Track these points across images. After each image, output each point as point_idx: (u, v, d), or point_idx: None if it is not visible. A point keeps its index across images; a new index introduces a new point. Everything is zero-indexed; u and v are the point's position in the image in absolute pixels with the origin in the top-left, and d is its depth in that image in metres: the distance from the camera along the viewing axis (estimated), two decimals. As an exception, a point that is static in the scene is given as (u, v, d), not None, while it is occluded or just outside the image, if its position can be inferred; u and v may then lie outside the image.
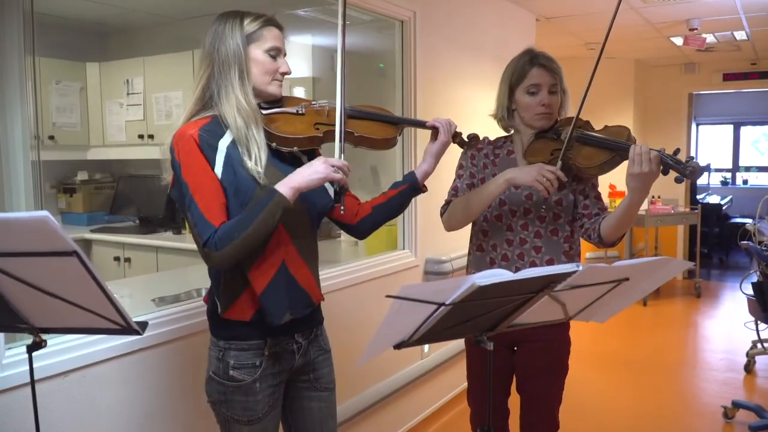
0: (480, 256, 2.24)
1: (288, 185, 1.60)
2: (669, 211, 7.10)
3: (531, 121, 2.15)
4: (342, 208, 1.71)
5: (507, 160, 2.23)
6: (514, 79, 2.15)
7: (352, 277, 3.16)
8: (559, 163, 2.01)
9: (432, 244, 3.79)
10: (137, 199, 4.71)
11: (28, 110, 1.91)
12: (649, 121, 8.52)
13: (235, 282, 1.71)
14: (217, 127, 1.66)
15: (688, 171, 1.81)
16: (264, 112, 1.75)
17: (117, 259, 4.27)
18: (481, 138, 2.10)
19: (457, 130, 1.96)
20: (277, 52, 1.74)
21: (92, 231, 4.48)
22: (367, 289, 3.26)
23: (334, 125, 1.76)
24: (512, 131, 2.26)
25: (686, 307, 6.78)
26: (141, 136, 4.54)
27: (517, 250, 2.17)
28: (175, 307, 2.32)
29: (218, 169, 1.63)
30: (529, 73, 2.12)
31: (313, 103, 1.83)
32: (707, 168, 1.78)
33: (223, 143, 1.64)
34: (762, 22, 5.63)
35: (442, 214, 2.24)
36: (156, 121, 4.48)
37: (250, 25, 1.71)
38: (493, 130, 2.31)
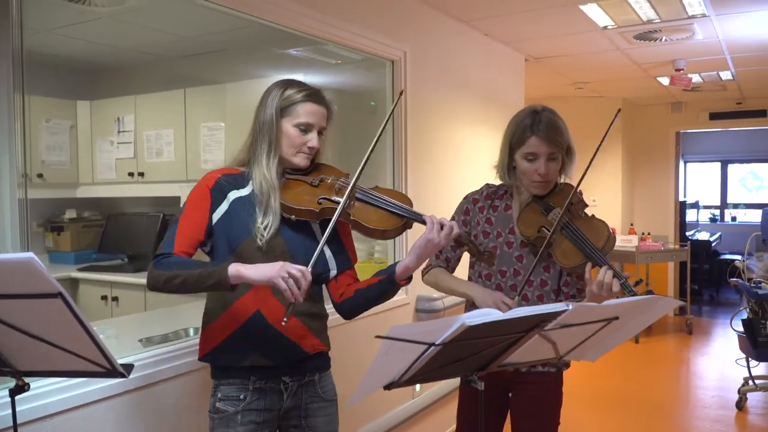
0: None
1: (238, 268, 1.64)
2: (659, 247, 7.12)
3: (527, 186, 2.15)
4: (283, 320, 1.63)
5: (504, 216, 2.20)
6: (514, 141, 2.11)
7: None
8: (517, 298, 2.06)
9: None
10: (126, 238, 4.66)
11: (17, 148, 1.91)
12: (637, 158, 8.60)
13: (208, 313, 1.85)
14: (241, 180, 1.82)
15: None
16: (287, 176, 1.86)
17: (104, 298, 4.20)
18: (494, 256, 2.02)
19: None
20: (308, 127, 1.81)
21: (79, 270, 4.41)
22: (357, 328, 3.22)
23: (336, 204, 1.78)
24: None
25: (678, 344, 6.76)
26: (131, 174, 4.52)
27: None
28: (163, 348, 2.30)
29: (217, 214, 1.78)
30: (527, 140, 2.07)
31: (332, 178, 1.87)
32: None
33: (234, 194, 1.80)
34: (747, 62, 5.73)
35: (422, 273, 2.25)
36: (147, 159, 4.46)
37: (287, 99, 1.81)
38: (484, 173, 2.31)
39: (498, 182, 2.28)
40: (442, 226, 1.78)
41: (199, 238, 1.76)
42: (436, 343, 1.31)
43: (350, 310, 1.92)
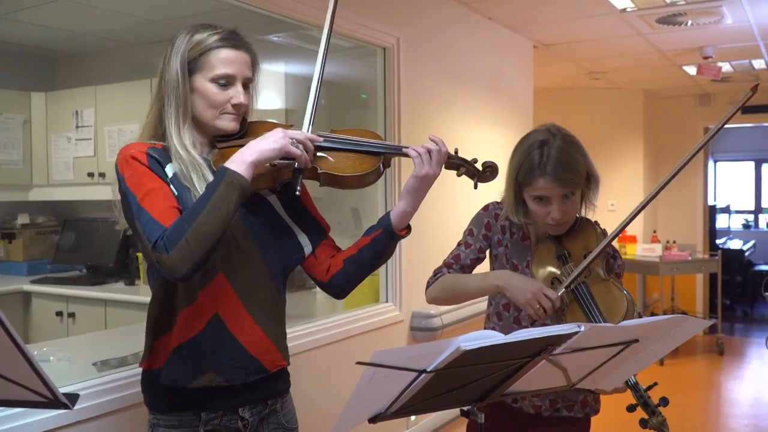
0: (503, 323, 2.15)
1: (239, 160, 1.52)
2: (686, 257, 7.09)
3: (542, 227, 2.05)
4: (297, 190, 1.58)
5: (521, 246, 2.10)
6: (521, 179, 1.95)
7: (327, 335, 3.10)
8: (562, 290, 1.91)
9: (419, 295, 3.67)
10: (85, 246, 4.63)
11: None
12: (660, 157, 8.60)
13: (156, 325, 1.68)
14: (165, 155, 1.64)
15: (651, 423, 1.84)
16: (219, 145, 1.71)
17: (60, 314, 4.16)
18: (496, 170, 1.85)
19: (461, 155, 1.78)
20: (228, 80, 1.66)
21: (32, 282, 4.38)
22: (344, 349, 3.20)
23: (294, 161, 1.64)
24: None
25: (708, 366, 6.74)
26: (91, 175, 4.49)
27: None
28: (119, 373, 2.26)
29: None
30: (534, 181, 1.90)
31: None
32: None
33: (170, 170, 1.62)
34: (782, 50, 5.74)
35: (428, 285, 2.13)
36: (108, 158, 4.41)
37: (195, 48, 1.64)
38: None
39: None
40: (430, 153, 1.68)
41: (175, 205, 1.56)
42: (428, 369, 1.27)
43: (343, 285, 1.81)
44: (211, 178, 1.59)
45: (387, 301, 3.66)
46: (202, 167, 1.63)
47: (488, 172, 1.83)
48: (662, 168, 8.59)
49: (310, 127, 1.72)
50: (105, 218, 4.61)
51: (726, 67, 6.40)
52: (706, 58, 5.72)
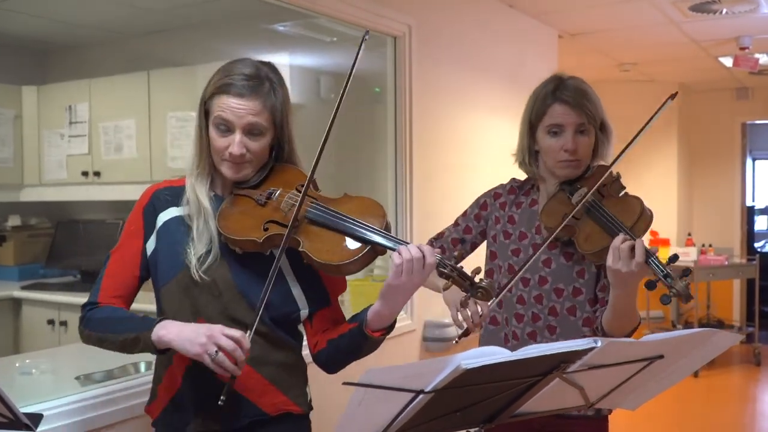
0: (495, 330, 2.17)
1: (159, 332, 1.59)
2: (722, 262, 7.04)
3: (553, 169, 2.07)
4: (220, 400, 1.53)
5: (528, 213, 2.14)
6: (534, 115, 2.05)
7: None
8: (493, 300, 1.89)
9: (432, 304, 3.70)
10: (79, 250, 4.61)
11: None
12: (696, 154, 8.55)
13: (155, 373, 1.80)
14: (179, 195, 1.74)
15: (674, 291, 1.76)
16: (234, 191, 1.75)
17: (51, 322, 4.15)
18: (491, 293, 1.70)
19: (459, 266, 1.63)
20: (227, 125, 1.66)
21: (23, 288, 4.37)
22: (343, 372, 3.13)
23: (286, 227, 1.62)
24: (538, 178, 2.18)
25: (744, 378, 6.68)
26: (85, 174, 4.46)
27: (528, 328, 2.09)
28: (105, 387, 2.25)
29: (150, 245, 1.73)
30: (549, 109, 2.01)
31: (280, 190, 1.71)
32: (690, 296, 1.80)
33: (164, 216, 1.72)
34: (826, 39, 5.64)
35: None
36: (104, 156, 4.40)
37: (208, 87, 1.70)
38: (506, 171, 2.23)
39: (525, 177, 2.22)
40: (412, 261, 1.56)
41: (134, 275, 1.73)
42: (426, 390, 1.23)
43: (326, 363, 1.79)
44: (213, 226, 1.67)
45: (397, 310, 3.59)
46: (206, 214, 1.69)
47: (480, 293, 1.65)
48: (697, 166, 8.52)
49: (305, 195, 1.64)
50: (100, 220, 4.63)
51: (764, 58, 6.33)
52: (742, 48, 5.67)
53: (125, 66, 4.33)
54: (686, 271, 1.77)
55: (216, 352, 1.49)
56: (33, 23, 4.28)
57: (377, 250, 1.63)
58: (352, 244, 1.63)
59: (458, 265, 1.63)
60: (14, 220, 4.73)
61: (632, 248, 1.75)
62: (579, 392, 1.48)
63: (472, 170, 4.16)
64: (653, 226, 2.07)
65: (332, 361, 1.77)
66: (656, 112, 1.93)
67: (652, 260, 1.77)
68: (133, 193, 4.57)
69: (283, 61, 4.20)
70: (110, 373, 2.42)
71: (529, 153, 2.10)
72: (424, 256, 1.57)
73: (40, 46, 4.82)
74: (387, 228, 1.67)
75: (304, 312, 1.76)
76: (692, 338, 1.44)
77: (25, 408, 1.94)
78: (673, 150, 7.92)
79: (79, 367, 2.52)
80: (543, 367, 1.31)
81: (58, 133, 4.57)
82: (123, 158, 4.33)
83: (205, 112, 1.70)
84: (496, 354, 1.22)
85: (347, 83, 1.65)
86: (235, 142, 1.65)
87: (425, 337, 3.73)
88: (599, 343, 1.28)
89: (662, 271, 1.77)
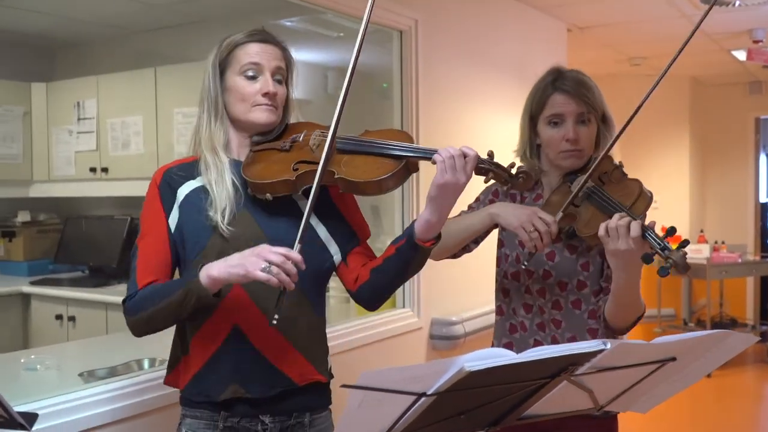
0: (500, 320, 2.17)
1: (206, 272, 1.59)
2: (736, 259, 7.03)
3: (556, 160, 2.06)
4: (274, 318, 1.55)
5: (533, 206, 2.12)
6: (535, 106, 2.06)
7: (338, 344, 3.03)
8: (560, 214, 1.91)
9: (439, 301, 3.71)
10: (88, 245, 4.65)
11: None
12: (708, 150, 8.51)
13: (176, 345, 1.78)
14: (192, 169, 1.74)
15: (670, 262, 1.72)
16: (252, 148, 1.77)
17: (59, 317, 4.19)
18: (531, 177, 1.84)
19: (494, 159, 1.74)
20: (256, 69, 1.72)
21: (32, 283, 4.42)
22: (357, 359, 3.14)
23: (316, 163, 1.63)
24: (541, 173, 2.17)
25: (758, 378, 6.66)
26: (93, 170, 4.51)
27: (537, 318, 2.08)
28: (107, 384, 2.23)
29: (173, 218, 1.72)
30: (549, 99, 2.02)
31: (304, 133, 1.76)
32: (688, 266, 1.76)
33: (184, 189, 1.73)
34: (841, 33, 5.58)
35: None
36: (111, 152, 4.44)
37: (225, 48, 1.75)
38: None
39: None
40: (454, 158, 1.62)
41: (167, 254, 1.72)
42: (428, 393, 1.19)
43: (371, 296, 1.80)
44: (228, 179, 1.69)
45: (404, 307, 3.61)
46: (223, 168, 1.70)
47: (521, 178, 1.76)
48: (709, 162, 8.48)
49: (337, 128, 1.64)
50: (108, 216, 4.68)
51: (778, 52, 6.27)
52: (756, 42, 5.65)
53: (132, 62, 4.38)
54: (684, 243, 1.74)
55: (269, 265, 1.51)
56: (41, 20, 4.31)
57: (411, 162, 1.69)
58: (385, 160, 1.67)
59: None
60: (23, 216, 4.77)
61: (628, 225, 1.73)
62: (588, 395, 1.45)
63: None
64: (664, 222, 2.03)
65: (377, 291, 1.79)
66: (644, 99, 1.97)
67: (649, 234, 1.74)
68: (141, 188, 4.63)
69: (291, 56, 4.20)
70: (113, 370, 2.42)
71: (531, 147, 2.09)
72: (463, 152, 1.65)
73: (48, 43, 4.87)
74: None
75: (337, 257, 1.80)
76: (706, 340, 1.40)
77: (27, 405, 1.94)
78: (685, 145, 7.88)
79: (84, 364, 2.53)
80: (550, 369, 1.27)
81: (67, 130, 4.63)
82: (130, 154, 4.37)
83: (220, 72, 1.74)
84: (500, 356, 1.18)
85: (352, 72, 1.64)
86: (270, 82, 1.72)
87: (432, 335, 3.70)
88: (609, 345, 1.23)
89: (659, 244, 1.74)
